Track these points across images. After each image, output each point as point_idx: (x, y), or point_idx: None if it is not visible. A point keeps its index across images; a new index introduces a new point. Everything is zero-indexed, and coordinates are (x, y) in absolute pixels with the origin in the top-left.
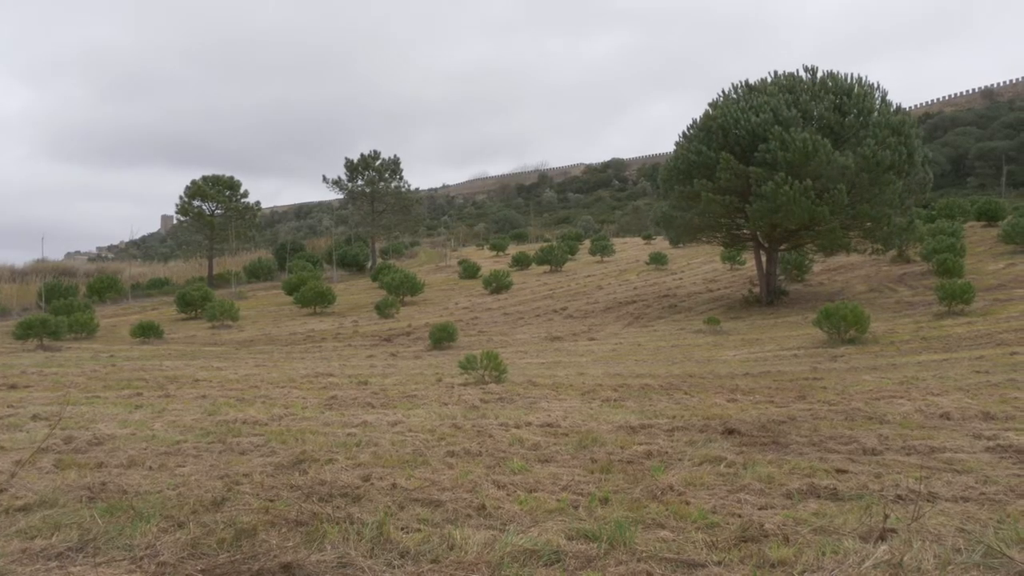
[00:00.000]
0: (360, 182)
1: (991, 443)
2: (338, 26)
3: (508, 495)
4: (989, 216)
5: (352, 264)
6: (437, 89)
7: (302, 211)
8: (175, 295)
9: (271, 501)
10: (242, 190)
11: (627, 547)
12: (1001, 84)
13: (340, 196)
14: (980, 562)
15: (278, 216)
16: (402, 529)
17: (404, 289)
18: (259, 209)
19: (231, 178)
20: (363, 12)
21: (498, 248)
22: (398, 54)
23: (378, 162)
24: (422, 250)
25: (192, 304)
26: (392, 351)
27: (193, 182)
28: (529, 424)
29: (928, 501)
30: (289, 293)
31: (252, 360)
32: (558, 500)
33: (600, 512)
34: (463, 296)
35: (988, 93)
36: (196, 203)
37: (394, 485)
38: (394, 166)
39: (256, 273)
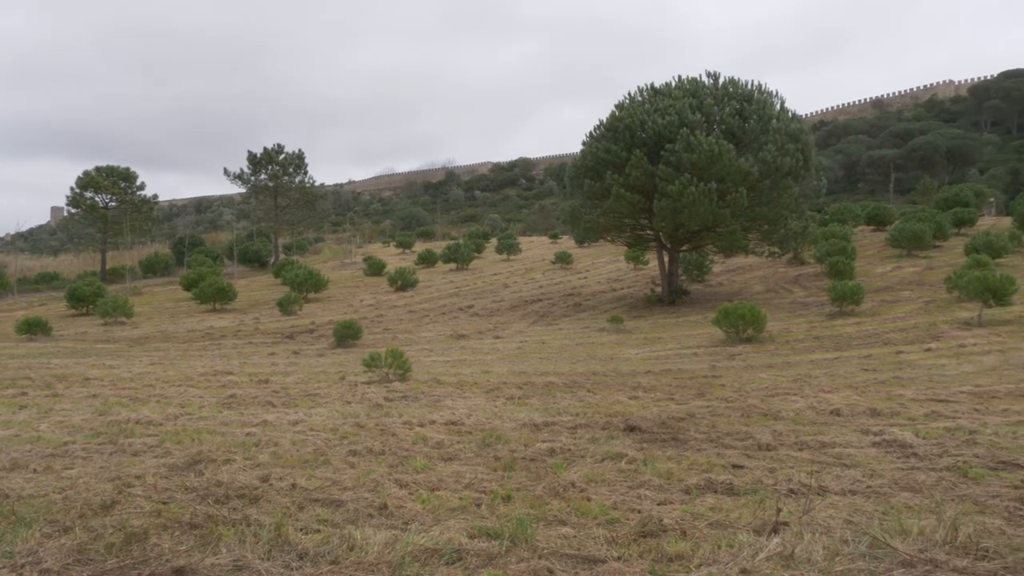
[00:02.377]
0: (263, 176)
1: (877, 438)
2: (249, 24)
3: (410, 494)
4: (878, 221)
5: (254, 260)
6: (348, 89)
7: (202, 205)
8: (65, 290)
9: (164, 503)
10: (138, 182)
11: (529, 544)
12: (890, 95)
13: (242, 190)
14: (866, 553)
15: (177, 210)
16: (301, 530)
17: (308, 286)
18: (156, 202)
19: (127, 169)
20: (275, 10)
21: (404, 245)
22: (310, 54)
23: (282, 156)
24: (327, 246)
25: (83, 300)
26: (294, 349)
27: (86, 173)
28: (433, 422)
29: (818, 495)
30: (187, 289)
31: (147, 358)
32: (461, 498)
33: (502, 510)
34: (368, 293)
35: (878, 103)
36: (89, 195)
37: (294, 485)
38: (298, 160)
39: (152, 268)
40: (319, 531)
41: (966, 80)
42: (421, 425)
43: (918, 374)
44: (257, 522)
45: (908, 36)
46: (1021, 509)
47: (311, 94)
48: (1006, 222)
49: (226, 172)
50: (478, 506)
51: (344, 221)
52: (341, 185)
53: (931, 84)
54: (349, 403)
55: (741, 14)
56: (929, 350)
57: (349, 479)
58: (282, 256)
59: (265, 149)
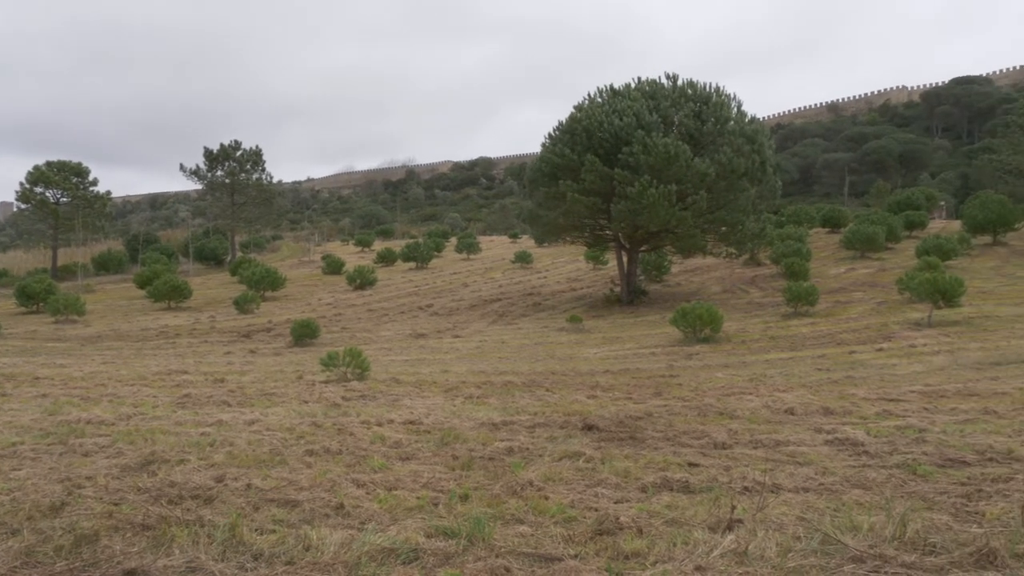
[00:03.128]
0: (220, 173)
1: (830, 436)
2: (208, 20)
3: (368, 494)
4: (833, 223)
5: (210, 257)
6: (309, 87)
7: (157, 202)
8: (14, 287)
9: (116, 505)
10: (91, 177)
11: (486, 543)
12: (845, 99)
13: (199, 187)
14: (818, 549)
15: (131, 206)
16: (256, 530)
17: (265, 284)
18: (109, 198)
19: (79, 164)
20: (235, 7)
21: (363, 244)
22: (269, 51)
23: (239, 153)
24: (284, 244)
25: (33, 297)
26: (251, 348)
27: (36, 167)
28: (391, 422)
29: (772, 492)
30: (141, 287)
31: (99, 357)
32: (418, 498)
33: (460, 509)
34: (326, 292)
35: (834, 107)
36: (39, 190)
37: (249, 485)
38: (256, 157)
39: (105, 265)
40: (274, 531)
41: (918, 86)
42: (379, 424)
43: (870, 374)
44: (211, 523)
45: (862, 44)
46: (967, 505)
47: (271, 91)
48: (956, 225)
49: (182, 168)
50: (436, 505)
51: (302, 219)
52: (300, 183)
53: (885, 89)
54: (306, 402)
55: (700, 21)
56: (881, 350)
57: (305, 479)
58: (239, 254)
59: (222, 145)
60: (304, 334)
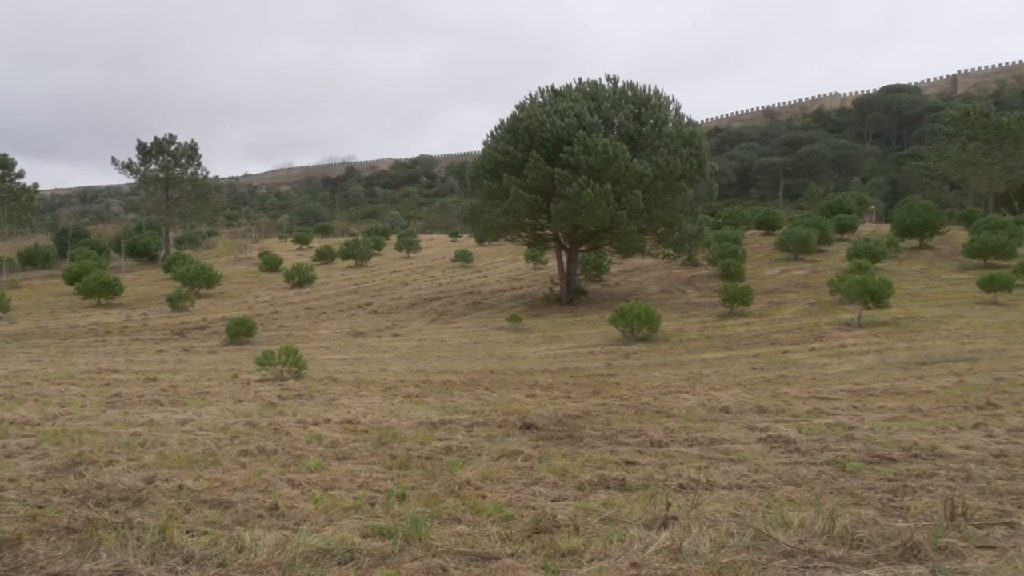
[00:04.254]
0: (154, 167)
1: (763, 434)
2: (145, 14)
3: (303, 494)
4: (768, 225)
5: (143, 253)
6: (249, 84)
7: (88, 195)
8: None
9: (40, 507)
10: (17, 169)
11: (423, 542)
12: (781, 104)
13: (132, 181)
14: (750, 544)
15: (60, 199)
16: (187, 532)
17: (200, 281)
18: (36, 191)
19: (4, 156)
20: (174, 2)
21: (302, 241)
22: (209, 47)
23: (174, 147)
24: (220, 241)
25: None
26: (185, 346)
27: None
28: (328, 421)
29: (707, 489)
30: (70, 283)
31: (24, 355)
32: (355, 498)
33: (397, 508)
34: (263, 289)
35: (769, 112)
36: None
37: (181, 486)
38: (191, 151)
39: (32, 260)
40: (206, 533)
41: (851, 93)
42: (316, 424)
43: (802, 373)
44: (140, 525)
45: (797, 52)
46: (893, 500)
47: (209, 87)
48: (885, 229)
49: (114, 161)
50: (372, 505)
51: (239, 215)
52: (237, 178)
53: (819, 96)
54: (241, 402)
55: (642, 29)
56: (813, 350)
57: (239, 479)
58: (173, 250)
59: (156, 139)
60: (240, 332)
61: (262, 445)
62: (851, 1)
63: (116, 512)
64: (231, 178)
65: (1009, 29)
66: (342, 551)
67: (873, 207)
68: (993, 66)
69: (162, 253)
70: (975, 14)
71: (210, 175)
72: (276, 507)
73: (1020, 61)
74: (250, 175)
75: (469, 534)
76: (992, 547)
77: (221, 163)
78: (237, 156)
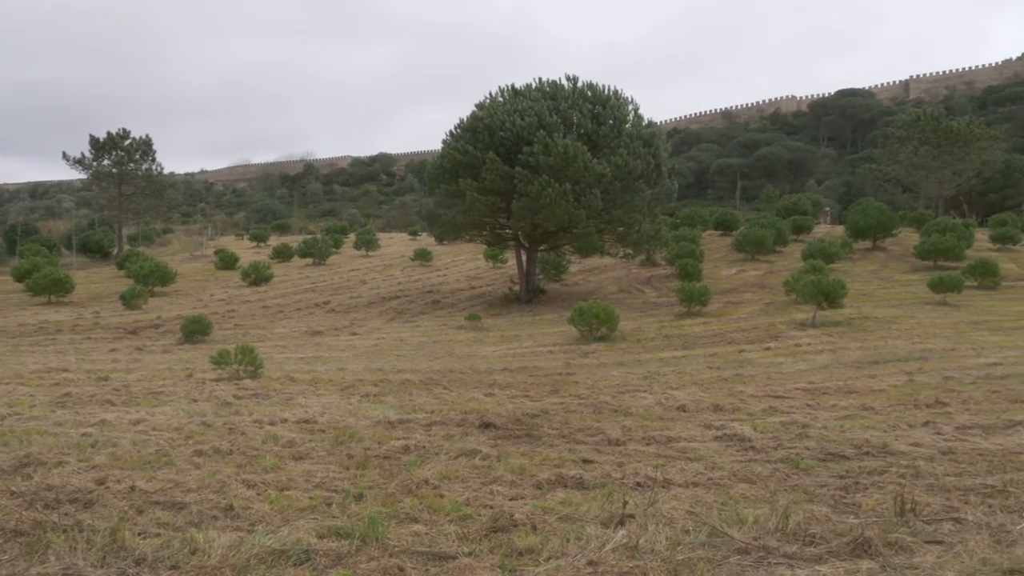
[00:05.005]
0: (107, 162)
1: (719, 432)
2: (102, 8)
3: (258, 494)
4: (725, 226)
5: (95, 250)
6: (207, 81)
7: (38, 191)
8: None
9: None
10: None
11: (379, 542)
12: (738, 107)
13: (84, 176)
14: (705, 542)
15: (9, 195)
16: (139, 534)
17: (154, 279)
18: None
19: None
20: None
21: (259, 239)
22: (167, 43)
23: (127, 142)
24: (176, 238)
25: None
26: (138, 345)
27: None
28: (285, 421)
29: (663, 487)
30: (19, 280)
31: None
32: (311, 498)
33: (354, 508)
34: (219, 288)
35: (727, 114)
36: None
37: (133, 488)
38: (146, 147)
39: None
40: (159, 535)
41: (807, 96)
42: (272, 423)
43: (758, 372)
44: (91, 527)
45: (753, 56)
46: (845, 497)
47: (167, 83)
48: (839, 230)
49: (65, 156)
50: (329, 505)
51: (195, 212)
52: (192, 175)
53: (775, 98)
54: (196, 401)
55: (602, 32)
56: (768, 349)
57: (193, 480)
58: (126, 247)
59: (109, 134)
60: (195, 331)
61: (217, 445)
62: (807, 8)
63: (65, 514)
64: (187, 174)
65: (959, 37)
66: (298, 552)
67: (828, 209)
68: (944, 72)
69: (115, 250)
70: (927, 23)
71: (165, 171)
72: (231, 508)
73: (969, 68)
74: (206, 172)
75: (426, 533)
76: (940, 542)
77: (177, 159)
78: (194, 152)
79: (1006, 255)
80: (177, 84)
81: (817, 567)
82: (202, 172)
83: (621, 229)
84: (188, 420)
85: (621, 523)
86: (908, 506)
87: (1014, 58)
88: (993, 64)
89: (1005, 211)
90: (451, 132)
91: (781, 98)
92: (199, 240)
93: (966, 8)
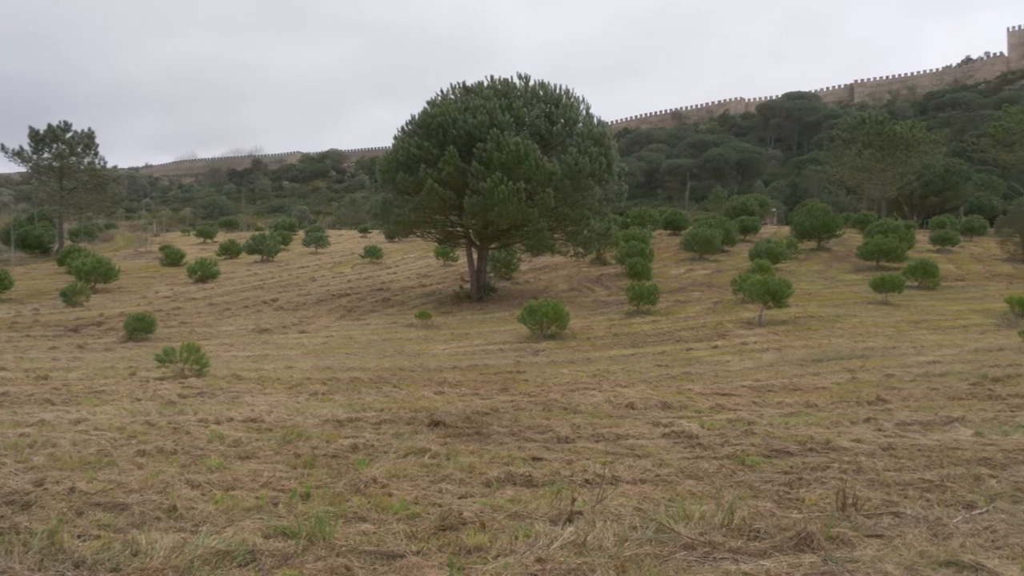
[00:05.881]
0: (47, 155)
1: (667, 430)
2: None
3: (203, 495)
4: (674, 226)
5: (34, 246)
6: (153, 75)
7: None
8: None
9: None
10: None
11: (327, 542)
12: (688, 108)
13: (23, 170)
14: (652, 538)
15: None
16: (79, 537)
17: (96, 275)
18: None
19: None
20: None
21: (206, 235)
22: (113, 38)
23: (69, 135)
24: (119, 234)
25: None
26: (79, 343)
27: None
28: (231, 419)
29: (612, 484)
30: None
31: None
32: (257, 498)
33: (301, 508)
34: (164, 284)
35: (677, 115)
36: None
37: (72, 489)
38: (88, 140)
39: None
40: (99, 537)
41: (755, 99)
42: (218, 423)
43: (705, 370)
44: (28, 530)
45: (702, 59)
46: (789, 493)
47: (112, 77)
48: (785, 231)
49: (3, 149)
50: (275, 505)
51: (139, 207)
52: (137, 169)
53: (724, 100)
54: (139, 400)
55: (553, 32)
56: (716, 347)
57: (136, 481)
58: (68, 243)
59: (50, 126)
60: (139, 328)
61: (161, 445)
62: (754, 12)
63: (1, 517)
64: (131, 169)
65: (902, 43)
66: (243, 552)
67: (774, 209)
68: (887, 77)
69: (55, 246)
70: (871, 29)
71: (108, 165)
72: (174, 508)
73: (911, 74)
74: (151, 166)
75: (374, 532)
76: (880, 536)
77: (121, 153)
78: (138, 147)
79: (945, 256)
80: (122, 77)
81: (761, 562)
82: (147, 167)
83: (572, 227)
84: (131, 419)
85: (570, 520)
86: (850, 501)
87: (954, 65)
88: (934, 70)
89: (945, 213)
90: (402, 128)
91: (730, 100)
92: (144, 236)
93: (908, 16)
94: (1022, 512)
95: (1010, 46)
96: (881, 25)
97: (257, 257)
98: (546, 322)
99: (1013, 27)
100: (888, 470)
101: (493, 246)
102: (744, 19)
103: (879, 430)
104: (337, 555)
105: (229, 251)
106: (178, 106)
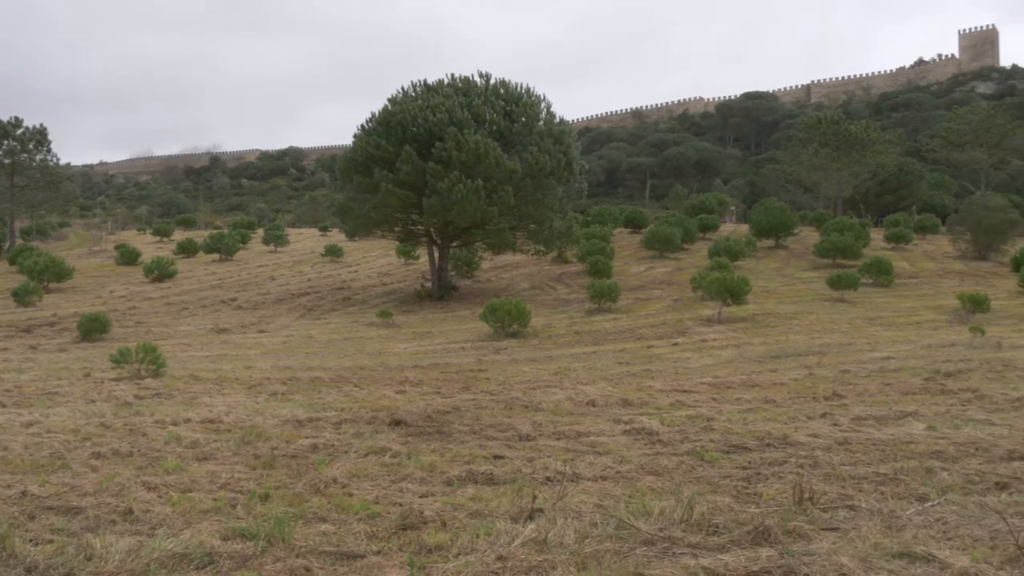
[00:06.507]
0: None
1: (628, 427)
2: None
3: (160, 497)
4: (635, 224)
5: None
6: (109, 72)
7: None
8: None
9: None
10: None
11: (286, 543)
12: (648, 107)
13: None
14: (613, 534)
15: None
16: (31, 541)
17: (49, 274)
18: None
19: None
20: None
21: (162, 233)
22: (65, 34)
23: (20, 130)
24: (73, 232)
25: None
26: (32, 343)
27: None
28: (188, 420)
29: (573, 481)
30: None
31: None
32: (215, 499)
33: (260, 509)
34: (120, 284)
35: (638, 114)
36: None
37: (24, 493)
38: (40, 136)
39: None
40: (52, 541)
41: (714, 98)
42: (175, 424)
43: (665, 367)
44: None
45: (661, 58)
46: (747, 488)
47: (65, 73)
48: (744, 229)
49: None
50: (234, 506)
51: (94, 205)
52: (91, 166)
53: (684, 99)
54: (94, 402)
55: (515, 32)
56: (676, 345)
57: (90, 484)
58: (19, 241)
59: (0, 122)
60: (93, 328)
61: (116, 447)
62: (712, 14)
63: None
64: (85, 166)
65: (857, 45)
66: (200, 555)
67: (733, 208)
68: (843, 78)
69: (7, 244)
70: (828, 31)
71: (61, 162)
72: (130, 511)
73: (867, 75)
74: (106, 163)
75: (334, 533)
76: (835, 529)
77: (74, 151)
78: (93, 144)
79: (899, 254)
80: (76, 74)
81: (720, 556)
82: (101, 164)
83: (533, 226)
84: (85, 421)
85: (531, 518)
86: (806, 495)
87: (907, 66)
88: (888, 71)
89: (899, 212)
90: (362, 126)
91: (690, 99)
92: (98, 235)
93: (862, 18)
94: (972, 504)
95: (961, 48)
96: (836, 27)
97: (215, 256)
98: (508, 320)
99: (964, 30)
100: (844, 464)
101: (454, 245)
102: (702, 20)
103: (835, 425)
104: (296, 556)
105: (186, 250)
106: (134, 103)
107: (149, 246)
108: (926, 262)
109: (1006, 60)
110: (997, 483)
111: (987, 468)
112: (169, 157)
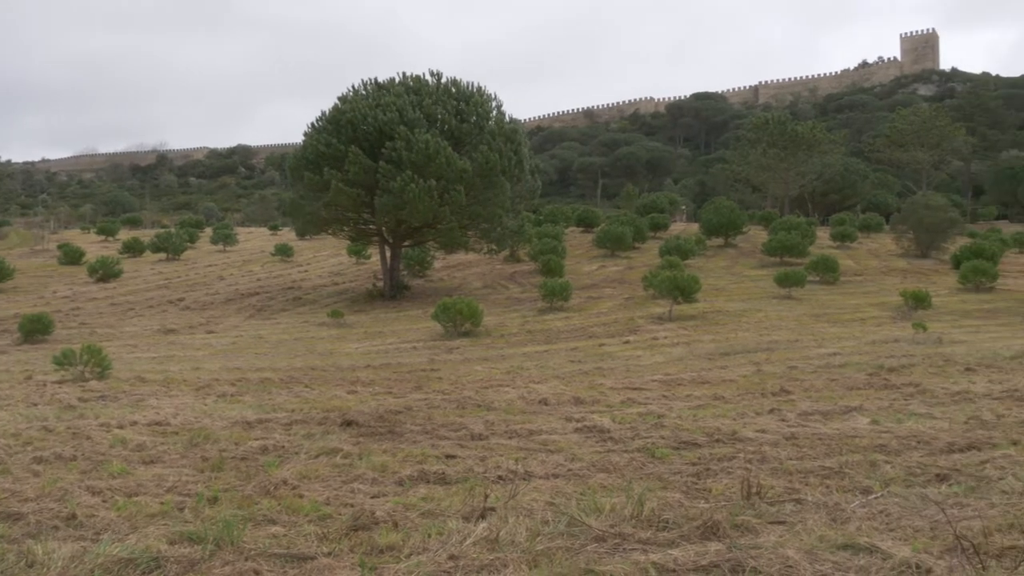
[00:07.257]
0: None
1: (579, 424)
2: None
3: (104, 501)
4: (587, 223)
5: None
6: (53, 70)
7: None
8: None
9: None
10: None
11: (235, 546)
12: (600, 107)
13: None
14: (564, 531)
15: None
16: None
17: None
18: None
19: None
20: None
21: (107, 232)
22: (5, 32)
23: None
24: (14, 232)
25: None
26: None
27: None
28: (135, 423)
29: (524, 479)
30: None
31: None
32: (162, 503)
33: (208, 512)
34: (63, 284)
35: (589, 114)
36: None
37: None
38: None
39: None
40: None
41: (664, 98)
42: (120, 427)
43: (617, 365)
44: None
45: (611, 59)
46: (697, 483)
47: (8, 72)
48: (694, 228)
49: None
50: (181, 510)
51: (36, 203)
52: (33, 163)
53: (635, 99)
54: (35, 405)
55: (466, 33)
56: (627, 343)
57: (32, 489)
58: None
59: None
60: (35, 330)
61: (59, 451)
62: (659, 16)
63: None
64: (26, 163)
65: (803, 46)
66: (147, 560)
67: (683, 207)
68: (790, 79)
69: None
70: (774, 34)
71: (2, 159)
72: (74, 517)
73: (813, 76)
74: (48, 161)
75: (285, 535)
76: (783, 522)
77: (15, 148)
78: (34, 141)
79: (844, 252)
80: (17, 71)
81: (669, 551)
82: (43, 161)
83: (485, 225)
84: (27, 425)
85: (482, 516)
86: (754, 490)
87: (852, 68)
88: (833, 73)
89: (844, 211)
90: (313, 124)
91: (640, 99)
92: (40, 233)
93: (807, 21)
94: (914, 496)
95: (903, 51)
96: (784, 29)
97: (162, 255)
98: (460, 319)
99: (905, 33)
100: (791, 459)
101: (406, 244)
102: (653, 22)
103: (782, 420)
104: (246, 559)
105: (132, 249)
106: (78, 100)
107: (93, 245)
108: (870, 260)
109: (945, 63)
110: (937, 475)
111: (928, 460)
112: (114, 155)
